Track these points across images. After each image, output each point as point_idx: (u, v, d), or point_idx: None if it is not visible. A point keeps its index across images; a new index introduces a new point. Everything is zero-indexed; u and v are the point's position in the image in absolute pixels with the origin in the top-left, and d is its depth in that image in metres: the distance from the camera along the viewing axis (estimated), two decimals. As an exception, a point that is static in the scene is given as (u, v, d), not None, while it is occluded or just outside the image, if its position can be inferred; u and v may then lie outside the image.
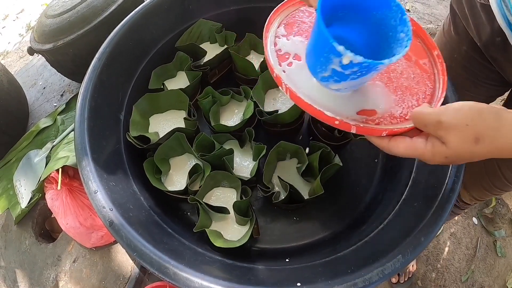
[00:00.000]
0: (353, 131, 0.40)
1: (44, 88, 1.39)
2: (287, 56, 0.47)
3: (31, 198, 1.04)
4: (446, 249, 1.23)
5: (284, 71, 0.45)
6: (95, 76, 0.68)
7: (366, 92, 0.45)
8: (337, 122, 0.39)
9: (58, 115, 1.21)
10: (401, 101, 0.44)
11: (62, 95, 1.31)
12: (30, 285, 1.01)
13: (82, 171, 0.58)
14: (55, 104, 1.29)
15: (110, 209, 0.54)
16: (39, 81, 1.43)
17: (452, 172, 0.55)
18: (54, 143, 1.06)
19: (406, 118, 0.42)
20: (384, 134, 0.40)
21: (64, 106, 1.25)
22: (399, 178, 0.66)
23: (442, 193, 0.54)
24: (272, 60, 0.46)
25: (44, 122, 1.19)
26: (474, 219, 1.29)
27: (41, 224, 1.09)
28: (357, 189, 0.73)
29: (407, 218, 0.56)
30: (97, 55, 0.70)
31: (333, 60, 0.36)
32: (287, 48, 0.48)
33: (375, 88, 0.46)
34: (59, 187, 0.84)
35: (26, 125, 1.28)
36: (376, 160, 0.76)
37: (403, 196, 0.61)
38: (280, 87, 0.43)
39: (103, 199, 0.55)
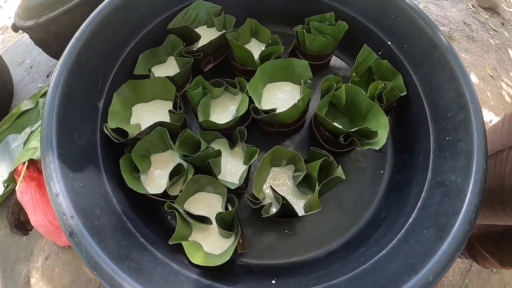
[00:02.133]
0: None
1: (31, 67, 1.30)
2: None
3: (6, 186, 0.96)
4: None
5: None
6: (72, 58, 0.59)
7: None
8: None
9: (40, 97, 1.12)
10: None
11: (48, 76, 1.23)
12: (3, 278, 0.95)
13: (45, 168, 0.50)
14: (40, 85, 1.21)
15: (71, 216, 0.46)
16: (27, 60, 1.34)
17: (470, 198, 0.47)
18: (33, 128, 0.98)
19: None
20: None
21: (47, 88, 1.15)
22: (407, 196, 0.59)
23: (458, 224, 0.46)
24: None
25: (25, 105, 1.11)
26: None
27: (17, 214, 1.02)
28: (358, 203, 0.65)
29: (414, 248, 0.49)
30: (76, 35, 0.62)
31: None
32: None
33: None
34: (17, 187, 0.76)
35: (9, 106, 1.20)
36: (382, 171, 0.68)
37: (410, 219, 0.54)
38: None
39: (64, 203, 0.47)
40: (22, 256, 0.94)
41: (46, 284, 0.89)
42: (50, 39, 1.00)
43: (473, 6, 1.93)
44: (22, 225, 1.03)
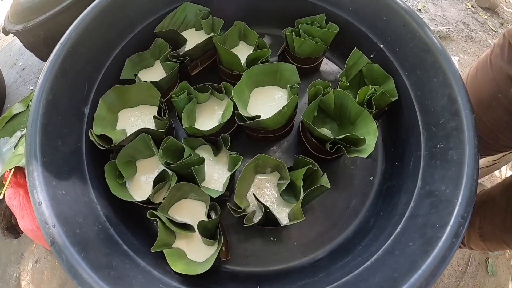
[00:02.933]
0: None
1: (23, 69, 1.30)
2: None
3: (-4, 190, 0.96)
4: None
5: None
6: (56, 65, 0.58)
7: None
8: None
9: (31, 101, 1.11)
10: None
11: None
12: (-5, 280, 0.95)
13: (29, 177, 0.50)
14: (32, 88, 1.20)
15: (52, 225, 0.46)
16: (20, 62, 1.33)
17: (459, 211, 0.46)
18: (23, 132, 0.97)
19: None
20: None
21: (38, 91, 1.14)
22: (396, 204, 0.58)
23: (445, 237, 0.45)
24: None
25: (17, 108, 1.10)
26: (468, 236, 1.22)
27: (8, 217, 1.02)
28: (346, 210, 0.64)
29: (399, 260, 0.47)
30: (60, 41, 0.60)
31: None
32: None
33: None
34: (1, 196, 0.76)
35: (1, 109, 1.19)
36: (371, 178, 0.67)
37: (397, 229, 0.53)
38: None
39: (47, 212, 0.47)
40: (13, 259, 0.94)
41: (36, 286, 0.89)
42: (39, 43, 0.99)
43: (472, 6, 1.91)
44: (13, 228, 1.03)
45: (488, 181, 1.34)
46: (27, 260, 0.93)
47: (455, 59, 1.64)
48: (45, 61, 1.13)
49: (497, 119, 0.69)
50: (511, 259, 1.21)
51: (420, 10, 1.83)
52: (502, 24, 1.87)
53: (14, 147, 0.96)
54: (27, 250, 0.94)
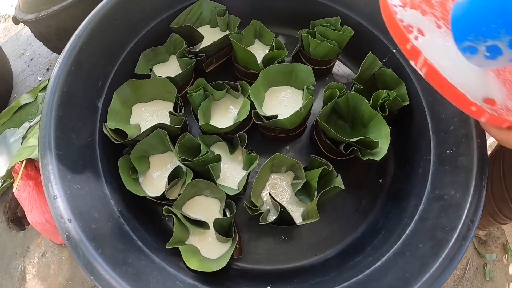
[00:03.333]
0: (484, 119, 0.36)
1: (31, 59, 1.29)
2: (410, 29, 0.38)
3: (3, 181, 0.96)
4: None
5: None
6: (72, 57, 0.59)
7: (488, 79, 0.41)
8: (473, 108, 0.35)
9: (39, 92, 1.11)
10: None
11: (48, 69, 1.22)
12: (-2, 272, 0.95)
13: (43, 170, 0.50)
14: (40, 79, 1.20)
15: (68, 219, 0.46)
16: (28, 52, 1.33)
17: (467, 215, 0.47)
18: (32, 123, 0.97)
19: None
20: (505, 126, 0.37)
21: (46, 82, 1.14)
22: (405, 207, 0.59)
23: (454, 240, 0.46)
24: (401, 26, 0.37)
25: (25, 98, 1.10)
26: (468, 240, 1.23)
27: (13, 209, 1.02)
28: (356, 211, 0.65)
29: (410, 261, 0.48)
30: (76, 32, 0.61)
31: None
32: (408, 20, 0.39)
33: (490, 76, 0.41)
34: (14, 189, 0.76)
35: (8, 99, 1.18)
36: (381, 181, 0.67)
37: (407, 231, 0.53)
38: (412, 62, 0.36)
39: (62, 206, 0.47)
40: (18, 252, 0.94)
41: (42, 280, 0.89)
42: (50, 34, 0.99)
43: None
44: (19, 220, 1.03)
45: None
46: (33, 253, 0.93)
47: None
48: (55, 52, 1.14)
49: None
50: (509, 265, 1.21)
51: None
52: None
53: (23, 138, 0.95)
54: (33, 243, 0.94)
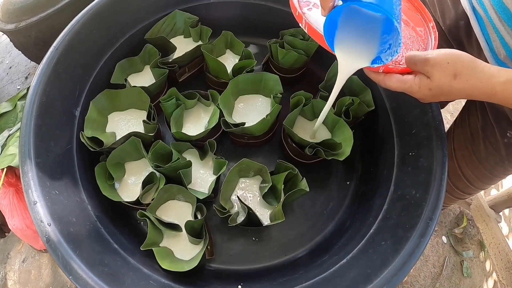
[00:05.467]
0: None
1: (10, 68, 1.29)
2: (307, 3, 0.54)
3: (-17, 189, 0.96)
4: (412, 266, 1.20)
5: (304, 13, 0.51)
6: (50, 68, 0.61)
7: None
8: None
9: (18, 100, 1.11)
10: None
11: (26, 78, 1.22)
12: (-19, 280, 0.95)
13: (23, 177, 0.52)
14: (19, 87, 1.20)
15: (48, 223, 0.49)
16: (6, 60, 1.33)
17: (427, 212, 0.51)
18: (11, 132, 0.97)
19: (401, 63, 0.49)
20: (381, 70, 0.48)
21: (25, 91, 1.14)
22: (370, 207, 0.62)
23: (413, 237, 0.49)
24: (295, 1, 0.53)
25: (4, 107, 1.10)
26: (444, 238, 1.28)
27: (-6, 217, 1.02)
28: (324, 212, 0.68)
29: (372, 258, 0.52)
30: (54, 44, 0.63)
31: None
32: None
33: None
34: None
35: (-13, 107, 1.18)
36: (348, 183, 0.71)
37: (371, 230, 0.57)
38: (300, 24, 0.50)
39: (42, 211, 0.49)
40: (0, 259, 0.95)
41: (23, 286, 0.90)
42: (29, 43, 1.00)
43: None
44: (-1, 228, 1.03)
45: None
46: (13, 259, 0.94)
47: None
48: (33, 61, 1.14)
49: None
50: (485, 261, 1.25)
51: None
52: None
53: (2, 147, 0.96)
54: (13, 250, 0.95)
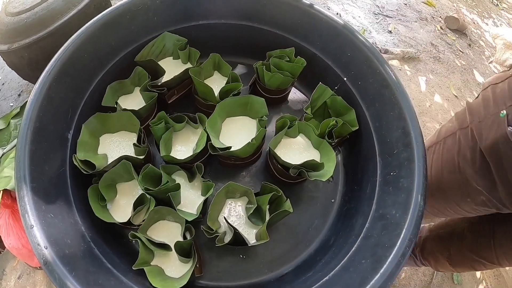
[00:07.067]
0: None
1: (2, 84, 1.30)
2: None
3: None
4: (403, 274, 1.22)
5: None
6: (42, 93, 0.62)
7: None
8: None
9: (11, 118, 1.12)
10: None
11: (19, 95, 1.23)
12: (-23, 297, 0.97)
13: (20, 202, 0.54)
14: (12, 104, 1.21)
15: (45, 247, 0.51)
16: (-1, 76, 1.34)
17: (406, 233, 0.53)
18: (5, 151, 0.99)
19: None
20: None
21: (18, 109, 1.16)
22: (353, 225, 0.64)
23: (392, 257, 0.51)
24: None
25: (-3, 125, 1.11)
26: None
27: (-12, 233, 1.03)
28: (309, 230, 0.70)
29: (352, 276, 0.54)
30: (46, 69, 0.64)
31: None
32: None
33: None
34: None
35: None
36: (333, 201, 0.73)
37: (353, 248, 0.59)
38: None
39: (38, 235, 0.51)
40: (-5, 275, 0.96)
41: (18, 302, 0.91)
42: (23, 64, 1.02)
43: (441, 28, 2.01)
44: (-6, 244, 1.05)
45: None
46: (9, 276, 0.95)
47: (422, 80, 1.73)
48: (27, 80, 1.15)
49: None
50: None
51: (390, 32, 1.91)
52: (470, 45, 1.98)
53: (-4, 166, 0.98)
54: (8, 266, 0.96)
